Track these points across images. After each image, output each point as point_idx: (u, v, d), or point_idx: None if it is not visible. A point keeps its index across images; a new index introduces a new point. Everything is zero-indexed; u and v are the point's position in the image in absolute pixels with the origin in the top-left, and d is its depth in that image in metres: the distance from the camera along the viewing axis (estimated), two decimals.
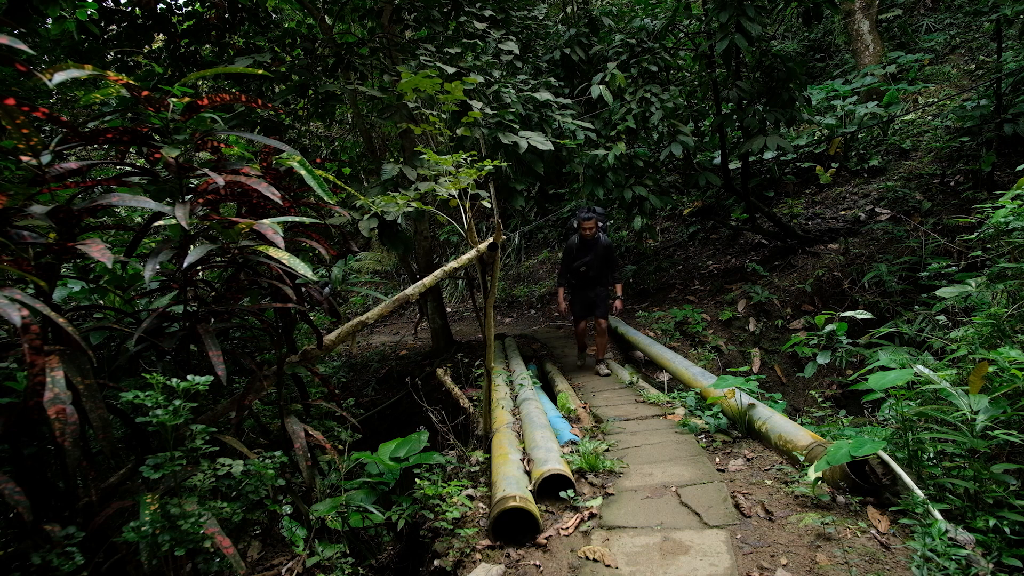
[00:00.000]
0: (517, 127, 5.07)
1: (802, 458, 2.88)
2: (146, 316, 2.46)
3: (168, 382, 1.96)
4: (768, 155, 8.77)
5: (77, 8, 4.99)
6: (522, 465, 3.04)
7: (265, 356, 3.61)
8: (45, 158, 2.02)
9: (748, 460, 3.16)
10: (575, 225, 5.55)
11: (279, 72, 5.32)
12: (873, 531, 2.27)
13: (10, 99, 1.86)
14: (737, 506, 2.62)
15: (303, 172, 2.52)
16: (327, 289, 5.53)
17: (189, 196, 2.29)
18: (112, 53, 5.54)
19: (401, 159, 4.98)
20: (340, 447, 3.29)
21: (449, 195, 3.26)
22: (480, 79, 4.89)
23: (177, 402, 1.94)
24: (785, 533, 2.35)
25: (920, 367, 2.56)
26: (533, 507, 2.57)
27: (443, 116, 3.65)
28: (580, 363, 5.92)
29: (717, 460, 3.21)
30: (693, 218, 10.06)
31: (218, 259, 2.44)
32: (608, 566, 2.26)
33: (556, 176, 7.28)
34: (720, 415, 3.74)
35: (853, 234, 7.39)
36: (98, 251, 1.82)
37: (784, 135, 6.72)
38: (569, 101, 6.14)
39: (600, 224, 5.55)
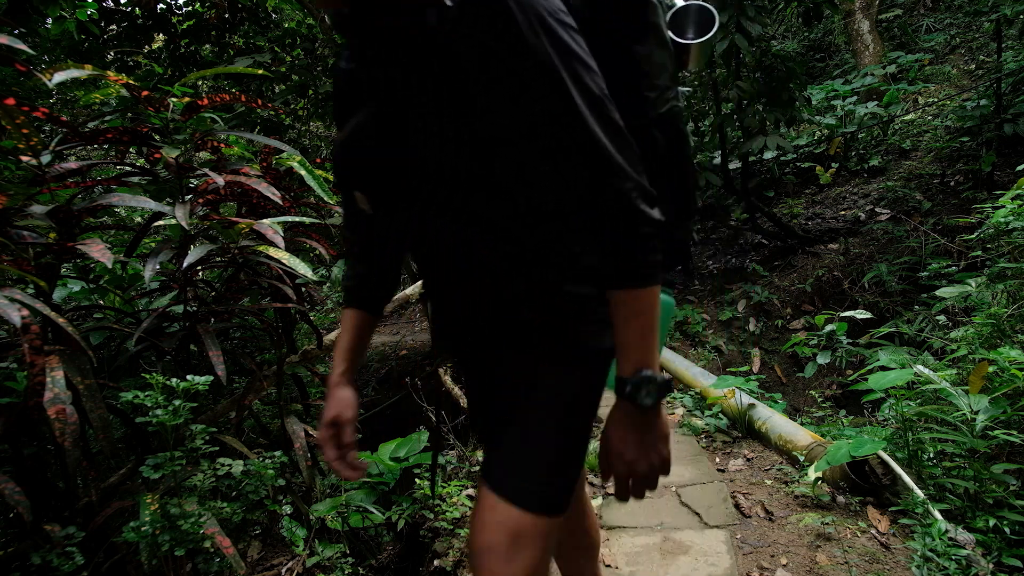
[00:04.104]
0: None
1: (802, 458, 2.87)
2: (146, 316, 2.46)
3: (168, 382, 1.96)
4: (768, 155, 8.76)
5: (77, 8, 4.98)
6: None
7: (265, 356, 3.61)
8: (45, 158, 2.02)
9: (748, 460, 3.16)
10: None
11: (279, 72, 5.33)
12: (873, 531, 2.27)
13: (10, 99, 1.85)
14: (737, 506, 2.62)
15: (303, 172, 2.52)
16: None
17: (189, 196, 2.29)
18: (112, 53, 5.55)
19: None
20: None
21: None
22: None
23: (177, 402, 1.93)
24: (785, 533, 2.35)
25: (920, 367, 2.56)
26: None
27: None
28: None
29: (717, 460, 3.21)
30: None
31: (218, 259, 2.44)
32: (608, 566, 2.26)
33: None
34: (720, 415, 3.74)
35: (853, 234, 7.39)
36: (98, 251, 1.82)
37: (784, 135, 6.72)
38: None
39: None
